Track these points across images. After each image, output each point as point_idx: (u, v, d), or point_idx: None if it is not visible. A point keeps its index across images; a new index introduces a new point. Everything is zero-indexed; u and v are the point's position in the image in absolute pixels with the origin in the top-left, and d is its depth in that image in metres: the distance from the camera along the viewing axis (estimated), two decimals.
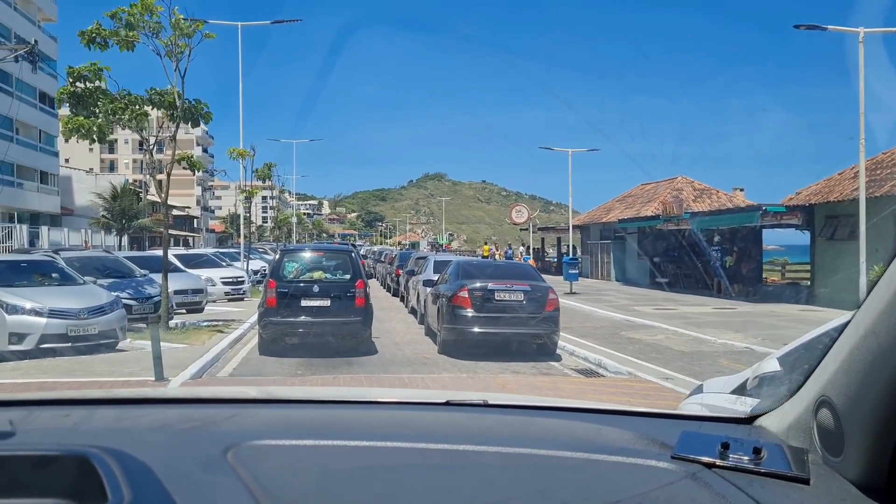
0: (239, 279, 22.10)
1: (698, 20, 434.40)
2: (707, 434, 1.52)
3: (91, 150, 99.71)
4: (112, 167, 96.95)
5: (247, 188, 25.35)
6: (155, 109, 14.70)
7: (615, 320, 18.57)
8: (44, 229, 47.35)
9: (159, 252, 23.26)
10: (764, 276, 29.23)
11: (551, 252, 50.15)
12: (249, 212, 24.36)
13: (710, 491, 1.27)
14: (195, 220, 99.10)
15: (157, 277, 17.69)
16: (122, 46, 13.62)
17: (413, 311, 19.96)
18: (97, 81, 13.81)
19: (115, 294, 13.08)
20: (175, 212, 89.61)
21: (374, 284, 36.85)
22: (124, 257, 18.18)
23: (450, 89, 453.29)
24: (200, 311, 18.80)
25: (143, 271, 15.92)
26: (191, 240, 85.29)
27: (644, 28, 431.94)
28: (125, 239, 55.22)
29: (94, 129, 13.58)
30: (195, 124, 14.76)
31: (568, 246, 41.23)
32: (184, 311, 18.38)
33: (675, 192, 34.64)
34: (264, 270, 32.33)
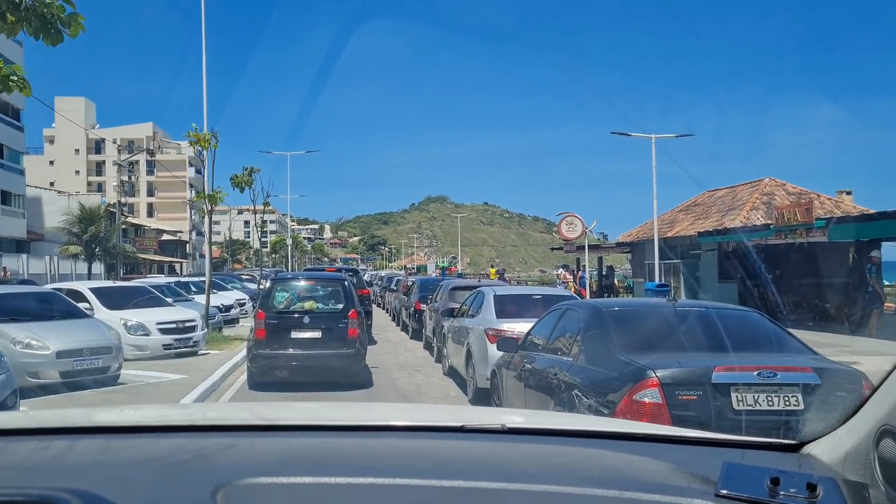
0: (187, 324, 14.72)
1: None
2: (753, 466, 1.41)
3: (77, 172, 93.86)
4: (100, 189, 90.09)
5: (214, 192, 18.00)
6: None
7: None
8: None
9: (61, 284, 15.95)
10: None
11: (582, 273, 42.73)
12: (211, 220, 16.98)
13: None
14: (187, 245, 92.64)
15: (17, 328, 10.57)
16: None
17: (452, 372, 12.76)
18: None
19: None
20: (166, 236, 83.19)
21: (382, 317, 29.74)
22: None
23: (451, 112, 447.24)
24: (114, 380, 11.51)
25: None
26: (178, 266, 78.38)
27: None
28: (100, 266, 47.75)
29: None
30: (51, 38, 7.46)
31: (619, 265, 33.85)
32: (91, 378, 11.10)
33: (765, 196, 27.45)
34: (241, 304, 25.08)
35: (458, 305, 14.01)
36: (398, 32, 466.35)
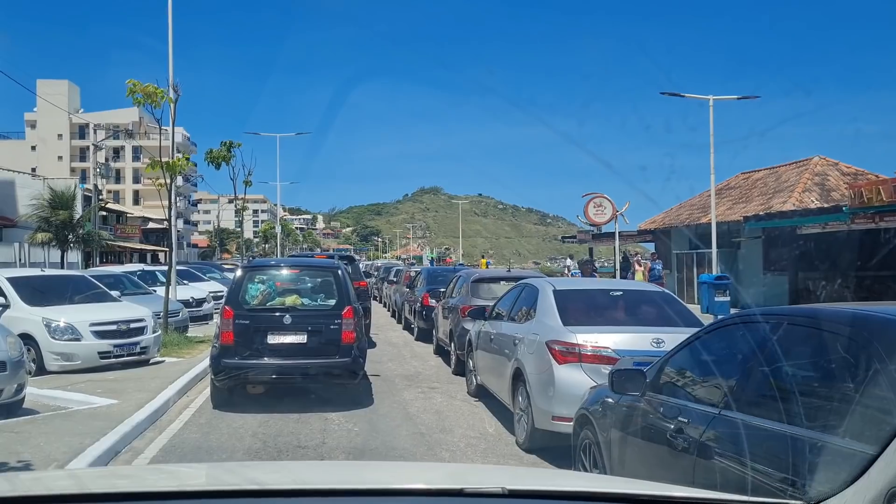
0: (133, 325, 11.35)
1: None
2: None
3: (60, 158, 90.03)
4: (83, 176, 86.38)
5: (173, 159, 14.54)
6: None
7: None
8: None
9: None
10: None
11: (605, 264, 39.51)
12: (173, 194, 13.64)
13: None
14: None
15: None
16: None
17: (482, 391, 9.48)
18: None
19: None
20: (152, 224, 79.54)
21: (380, 313, 26.07)
22: None
23: (445, 104, 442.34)
24: (15, 407, 8.19)
25: None
26: (162, 255, 74.93)
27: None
28: (76, 254, 44.04)
29: None
30: None
31: (651, 255, 30.71)
32: None
33: (816, 176, 24.21)
34: (217, 297, 21.69)
35: (485, 303, 10.73)
36: (394, 20, 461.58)
